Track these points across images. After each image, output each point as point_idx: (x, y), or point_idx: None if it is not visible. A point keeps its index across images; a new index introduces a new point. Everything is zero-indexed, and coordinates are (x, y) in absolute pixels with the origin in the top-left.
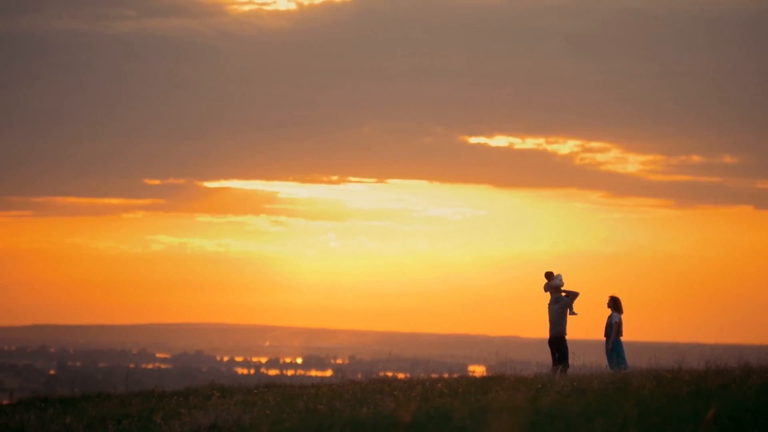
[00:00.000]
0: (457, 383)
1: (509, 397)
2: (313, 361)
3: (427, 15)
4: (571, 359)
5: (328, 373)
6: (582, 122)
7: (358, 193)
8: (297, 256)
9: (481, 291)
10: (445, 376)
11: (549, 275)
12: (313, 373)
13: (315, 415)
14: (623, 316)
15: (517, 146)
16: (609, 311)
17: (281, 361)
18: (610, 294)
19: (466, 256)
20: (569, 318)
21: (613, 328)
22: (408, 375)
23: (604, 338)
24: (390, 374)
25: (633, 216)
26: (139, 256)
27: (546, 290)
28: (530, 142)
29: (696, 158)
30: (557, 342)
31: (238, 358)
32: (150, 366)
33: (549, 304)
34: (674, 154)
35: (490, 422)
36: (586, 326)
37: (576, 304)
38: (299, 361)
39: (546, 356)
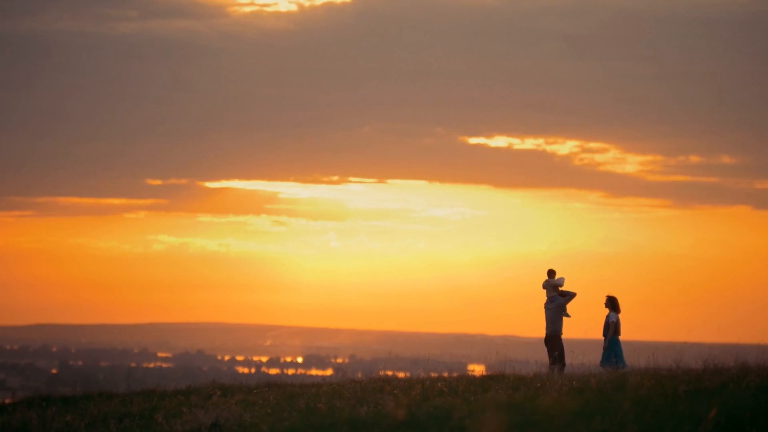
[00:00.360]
0: (457, 382)
1: (508, 396)
2: (313, 360)
3: (428, 16)
4: (570, 358)
5: (329, 372)
6: (581, 123)
7: (358, 193)
8: (298, 256)
9: (480, 291)
10: (445, 375)
11: (551, 273)
12: (314, 372)
13: (315, 414)
14: (620, 316)
15: (516, 147)
16: (607, 311)
17: (282, 360)
18: (608, 294)
19: (466, 256)
20: (564, 319)
21: (611, 328)
22: (408, 374)
23: (603, 338)
24: (390, 373)
25: (632, 216)
26: (140, 255)
27: (544, 287)
28: (530, 143)
29: (694, 158)
30: (553, 341)
31: (239, 358)
32: (151, 365)
33: (545, 304)
34: (673, 154)
35: (489, 421)
36: (584, 326)
37: (574, 303)
38: (300, 360)
39: (545, 355)
